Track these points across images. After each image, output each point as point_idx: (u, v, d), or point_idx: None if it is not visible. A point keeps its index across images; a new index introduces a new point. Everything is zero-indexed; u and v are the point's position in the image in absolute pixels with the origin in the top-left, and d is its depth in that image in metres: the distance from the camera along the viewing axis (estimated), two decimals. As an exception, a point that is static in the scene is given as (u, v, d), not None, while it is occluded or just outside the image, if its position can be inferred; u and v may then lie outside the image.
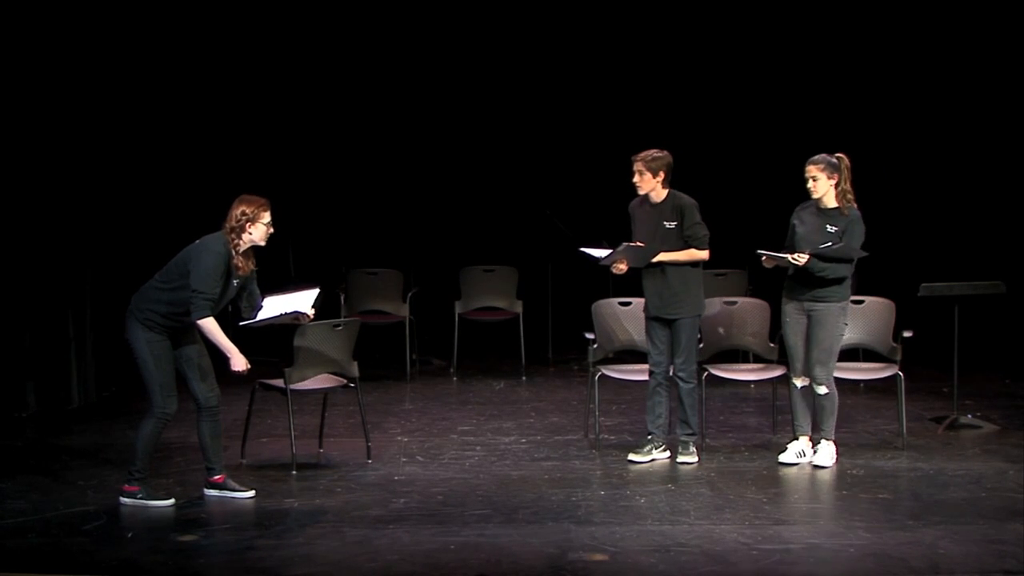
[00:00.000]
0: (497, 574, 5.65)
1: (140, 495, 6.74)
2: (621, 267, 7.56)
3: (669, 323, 7.57)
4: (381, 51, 11.67)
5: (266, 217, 6.77)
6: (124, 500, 6.75)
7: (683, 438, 7.64)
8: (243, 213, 6.73)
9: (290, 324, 7.08)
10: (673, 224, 7.49)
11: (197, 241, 6.78)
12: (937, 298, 8.44)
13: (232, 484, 6.95)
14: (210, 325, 6.65)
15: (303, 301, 6.96)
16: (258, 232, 6.77)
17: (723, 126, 11.70)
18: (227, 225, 6.74)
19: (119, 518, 6.50)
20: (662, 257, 7.49)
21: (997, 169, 11.51)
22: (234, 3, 11.02)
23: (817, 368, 7.46)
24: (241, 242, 6.74)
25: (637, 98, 11.67)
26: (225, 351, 6.71)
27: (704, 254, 7.55)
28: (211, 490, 6.93)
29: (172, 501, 6.78)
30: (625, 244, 7.49)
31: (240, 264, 6.76)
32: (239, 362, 6.73)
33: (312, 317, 7.01)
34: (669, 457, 7.65)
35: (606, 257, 7.54)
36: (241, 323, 7.00)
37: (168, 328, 6.75)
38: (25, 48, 8.92)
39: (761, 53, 11.60)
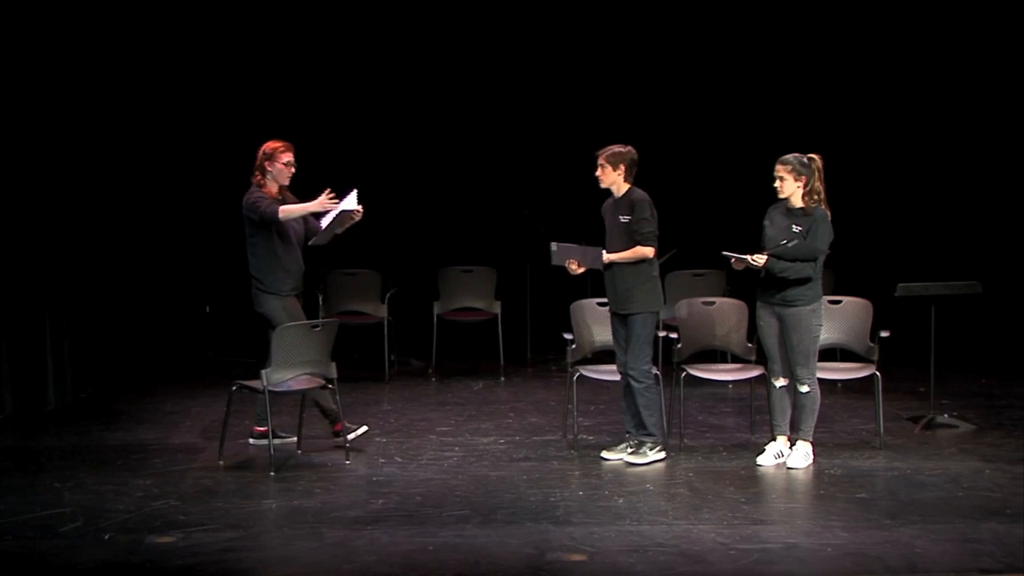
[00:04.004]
0: (475, 575, 5.65)
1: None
2: (574, 267, 7.58)
3: (624, 319, 7.57)
4: (359, 54, 11.64)
5: (284, 157, 7.76)
6: (253, 441, 7.83)
7: (641, 438, 7.56)
8: (263, 153, 7.75)
9: (349, 226, 7.87)
10: (627, 219, 7.45)
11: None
12: (914, 298, 8.47)
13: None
14: (285, 211, 7.63)
15: (347, 202, 7.69)
16: (276, 169, 7.74)
17: (702, 126, 11.72)
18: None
19: (95, 520, 6.47)
20: (611, 258, 7.47)
21: (973, 170, 11.57)
22: (222, 10, 11.00)
23: (798, 369, 7.46)
24: (264, 180, 7.73)
25: (615, 100, 11.66)
26: (311, 209, 7.67)
27: (648, 251, 7.42)
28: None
29: (295, 438, 7.82)
30: (556, 244, 7.58)
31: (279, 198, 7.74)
32: (323, 201, 7.62)
33: (361, 211, 7.74)
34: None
35: (555, 255, 7.60)
36: (310, 243, 7.92)
37: (295, 287, 7.78)
38: (11, 51, 8.89)
39: (742, 53, 11.62)
